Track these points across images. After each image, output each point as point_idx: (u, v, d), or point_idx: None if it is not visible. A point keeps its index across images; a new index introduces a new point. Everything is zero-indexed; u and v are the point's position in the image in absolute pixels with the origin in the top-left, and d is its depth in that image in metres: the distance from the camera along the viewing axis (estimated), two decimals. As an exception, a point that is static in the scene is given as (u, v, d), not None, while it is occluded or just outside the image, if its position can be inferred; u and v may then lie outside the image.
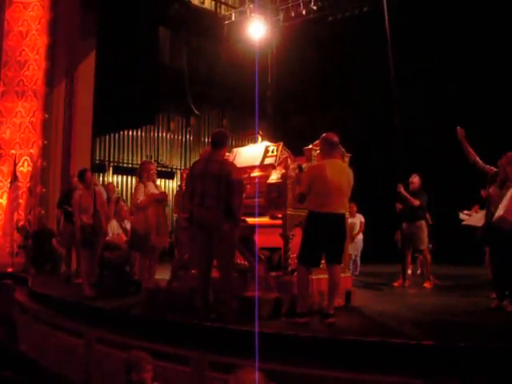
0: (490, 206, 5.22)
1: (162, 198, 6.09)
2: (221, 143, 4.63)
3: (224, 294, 4.39)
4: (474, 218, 7.13)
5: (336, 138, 4.57)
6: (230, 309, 4.33)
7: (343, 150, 5.28)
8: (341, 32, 12.11)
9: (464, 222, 7.11)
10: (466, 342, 3.39)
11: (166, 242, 5.88)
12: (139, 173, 6.22)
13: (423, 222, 7.32)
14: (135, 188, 6.16)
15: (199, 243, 4.57)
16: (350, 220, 8.59)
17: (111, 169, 14.00)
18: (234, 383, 2.17)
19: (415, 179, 7.42)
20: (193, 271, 5.61)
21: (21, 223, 9.69)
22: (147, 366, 3.29)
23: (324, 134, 4.62)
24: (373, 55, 11.00)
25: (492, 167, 5.33)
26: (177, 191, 6.74)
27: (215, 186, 4.38)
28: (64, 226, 8.03)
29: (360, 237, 9.29)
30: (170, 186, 14.82)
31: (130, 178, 14.12)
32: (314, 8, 12.09)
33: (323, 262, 4.58)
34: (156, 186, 6.39)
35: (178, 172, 14.46)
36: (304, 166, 5.01)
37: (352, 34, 12.00)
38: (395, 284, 7.36)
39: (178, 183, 7.99)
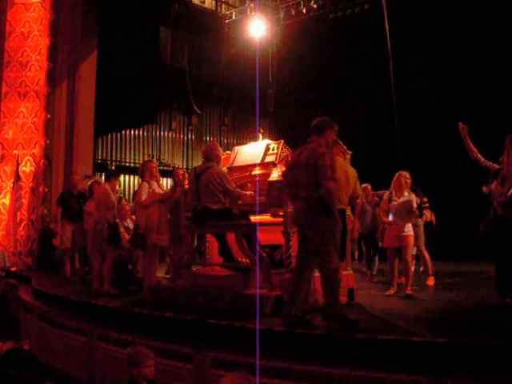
0: (491, 201, 5.20)
1: (166, 198, 6.04)
2: (316, 130, 4.16)
3: (328, 298, 4.02)
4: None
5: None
6: (334, 313, 3.97)
7: (345, 147, 5.29)
8: (341, 30, 12.11)
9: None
10: (472, 340, 3.38)
11: (166, 241, 5.87)
12: (141, 172, 6.12)
13: (419, 219, 7.29)
14: (140, 187, 6.07)
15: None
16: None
17: (113, 168, 14.02)
18: None
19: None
20: (194, 269, 5.64)
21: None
22: (148, 362, 3.31)
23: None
24: (373, 53, 11.01)
25: (494, 164, 5.31)
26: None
27: (306, 176, 3.98)
28: (66, 225, 8.04)
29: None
30: (173, 185, 14.82)
31: (132, 177, 14.13)
32: (315, 6, 12.11)
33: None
34: (159, 185, 6.38)
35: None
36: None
37: (353, 32, 11.99)
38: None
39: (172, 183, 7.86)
